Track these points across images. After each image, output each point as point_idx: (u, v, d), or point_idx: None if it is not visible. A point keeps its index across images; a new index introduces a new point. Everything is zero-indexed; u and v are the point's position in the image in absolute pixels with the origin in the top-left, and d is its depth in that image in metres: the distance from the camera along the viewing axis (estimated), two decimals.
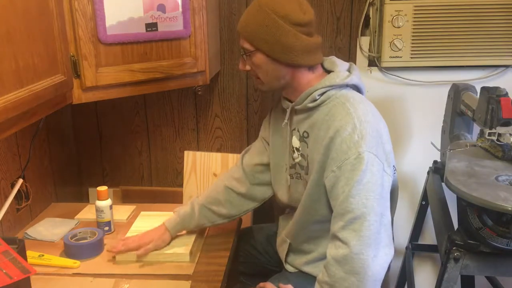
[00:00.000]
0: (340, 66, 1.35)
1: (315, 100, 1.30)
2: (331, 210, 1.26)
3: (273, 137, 1.49)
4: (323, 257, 1.33)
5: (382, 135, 1.26)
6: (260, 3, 1.29)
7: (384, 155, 1.24)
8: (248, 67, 1.35)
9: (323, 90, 1.30)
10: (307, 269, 1.44)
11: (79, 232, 1.52)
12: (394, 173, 1.35)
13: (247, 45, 1.31)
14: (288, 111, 1.37)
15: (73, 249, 1.47)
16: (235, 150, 2.11)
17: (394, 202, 1.38)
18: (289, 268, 1.49)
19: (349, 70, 1.36)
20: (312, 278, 1.40)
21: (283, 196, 1.48)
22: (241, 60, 1.36)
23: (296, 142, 1.38)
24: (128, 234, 1.55)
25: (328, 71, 1.36)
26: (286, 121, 1.38)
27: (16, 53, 1.11)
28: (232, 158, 2.02)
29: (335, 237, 1.22)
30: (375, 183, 1.20)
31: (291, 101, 1.37)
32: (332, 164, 1.23)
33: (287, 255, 1.49)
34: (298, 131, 1.37)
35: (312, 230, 1.39)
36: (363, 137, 1.20)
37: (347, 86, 1.32)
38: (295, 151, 1.39)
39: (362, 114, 1.24)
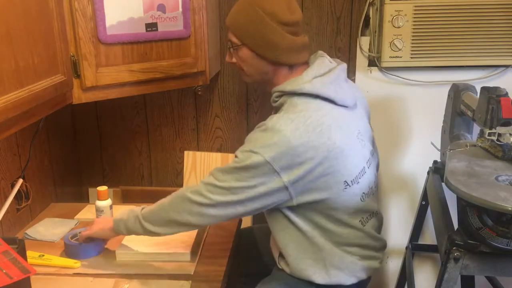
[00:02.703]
0: (310, 70, 1.34)
1: (275, 101, 1.36)
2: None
3: None
4: (301, 256, 1.37)
5: (295, 150, 1.23)
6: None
7: (287, 166, 1.24)
8: (234, 60, 1.40)
9: (279, 93, 1.35)
10: (289, 269, 1.43)
11: (79, 232, 1.52)
12: (345, 188, 1.32)
13: (234, 39, 1.36)
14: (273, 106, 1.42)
15: (73, 249, 1.47)
16: (235, 150, 2.08)
17: (349, 217, 1.37)
18: (282, 266, 1.48)
19: (317, 76, 1.33)
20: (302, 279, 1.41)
21: None
22: (228, 52, 1.42)
23: None
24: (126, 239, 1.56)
25: None
26: (273, 113, 1.42)
27: (16, 53, 1.11)
28: (232, 158, 2.02)
29: (197, 184, 1.32)
30: (253, 178, 1.26)
31: None
32: (241, 146, 1.33)
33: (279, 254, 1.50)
34: None
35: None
36: (264, 141, 1.25)
37: (301, 93, 1.31)
38: None
39: (282, 123, 1.25)
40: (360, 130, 1.40)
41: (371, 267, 1.44)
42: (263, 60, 1.35)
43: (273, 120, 1.27)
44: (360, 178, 1.36)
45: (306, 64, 1.39)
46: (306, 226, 1.36)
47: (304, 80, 1.32)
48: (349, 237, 1.38)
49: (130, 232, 1.40)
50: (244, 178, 1.26)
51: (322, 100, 1.31)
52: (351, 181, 1.33)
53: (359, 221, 1.39)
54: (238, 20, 1.34)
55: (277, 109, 1.37)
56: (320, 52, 1.43)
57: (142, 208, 1.41)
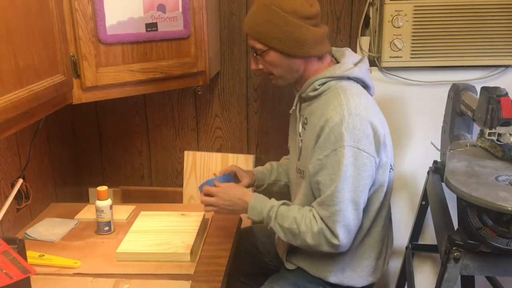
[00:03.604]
0: (347, 58, 1.38)
1: (316, 89, 1.34)
2: None
3: (290, 124, 1.56)
4: (320, 253, 1.37)
5: (376, 129, 1.28)
6: (265, 2, 1.31)
7: (374, 148, 1.28)
8: (261, 66, 1.38)
9: (324, 80, 1.34)
10: (305, 265, 1.44)
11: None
12: (390, 171, 1.38)
13: (259, 45, 1.34)
14: (296, 98, 1.42)
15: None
16: (235, 150, 2.11)
17: (386, 201, 1.42)
18: (289, 265, 1.49)
19: (356, 63, 1.38)
20: (310, 276, 1.41)
21: (291, 185, 1.53)
22: (252, 60, 1.39)
23: (300, 128, 1.42)
24: (128, 234, 1.56)
25: (338, 62, 1.39)
26: (293, 107, 1.43)
27: (16, 53, 1.11)
28: (232, 158, 2.02)
29: (323, 222, 1.29)
30: (357, 176, 1.25)
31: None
32: (319, 152, 1.28)
33: (287, 252, 1.49)
34: (302, 117, 1.42)
35: None
36: (349, 131, 1.24)
37: (348, 78, 1.34)
38: (299, 135, 1.42)
39: (354, 107, 1.27)
40: None
41: (381, 271, 1.46)
42: (293, 59, 1.34)
43: (342, 108, 1.26)
44: (393, 165, 1.42)
45: (329, 54, 1.42)
46: None
47: (350, 66, 1.35)
48: (375, 234, 1.41)
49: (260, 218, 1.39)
50: (353, 181, 1.26)
51: (361, 86, 1.37)
52: (392, 165, 1.40)
53: (387, 211, 1.43)
54: (259, 25, 1.32)
55: (310, 99, 1.37)
56: (334, 47, 1.46)
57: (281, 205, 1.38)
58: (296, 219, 1.32)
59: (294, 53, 1.32)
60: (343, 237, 1.29)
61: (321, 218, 1.29)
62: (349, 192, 1.26)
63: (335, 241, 1.28)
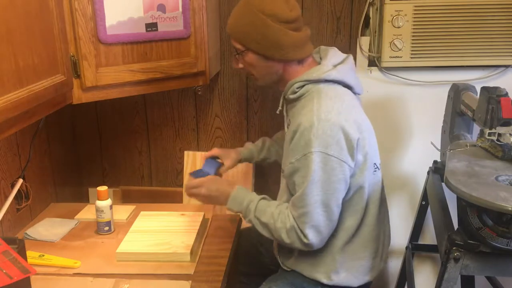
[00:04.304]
0: (329, 59, 1.39)
1: (295, 92, 1.37)
2: None
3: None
4: (310, 256, 1.40)
5: (348, 134, 1.28)
6: (248, 3, 1.34)
7: (346, 152, 1.28)
8: (241, 65, 1.42)
9: (302, 83, 1.36)
10: (299, 268, 1.44)
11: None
12: (375, 171, 1.39)
13: (238, 45, 1.38)
14: (281, 99, 1.44)
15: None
16: None
17: (375, 200, 1.42)
18: (284, 267, 1.49)
19: (336, 65, 1.38)
20: (307, 277, 1.41)
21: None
22: (234, 59, 1.43)
23: (286, 128, 1.46)
24: (128, 234, 1.56)
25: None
26: (279, 108, 1.46)
27: (16, 53, 1.11)
28: None
29: (295, 221, 1.32)
30: (327, 180, 1.27)
31: None
32: (291, 155, 1.31)
33: (278, 254, 1.50)
34: (287, 118, 1.45)
35: None
36: (318, 136, 1.26)
37: (326, 81, 1.34)
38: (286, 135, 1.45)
39: (324, 112, 1.28)
40: None
41: (377, 269, 1.47)
42: (270, 61, 1.36)
43: (312, 114, 1.28)
44: (380, 164, 1.43)
45: (311, 56, 1.42)
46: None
47: (329, 68, 1.36)
48: (365, 234, 1.42)
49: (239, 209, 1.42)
50: (322, 185, 1.28)
51: (343, 86, 1.37)
52: (379, 165, 1.41)
53: (378, 208, 1.43)
54: (240, 26, 1.35)
55: (292, 101, 1.39)
56: (322, 46, 1.47)
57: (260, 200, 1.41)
58: (273, 214, 1.36)
59: (271, 56, 1.35)
60: (313, 237, 1.32)
61: (293, 217, 1.33)
62: (318, 195, 1.28)
63: (305, 240, 1.32)
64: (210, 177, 1.52)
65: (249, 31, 1.33)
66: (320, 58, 1.43)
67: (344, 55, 1.44)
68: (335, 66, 1.37)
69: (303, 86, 1.36)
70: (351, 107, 1.34)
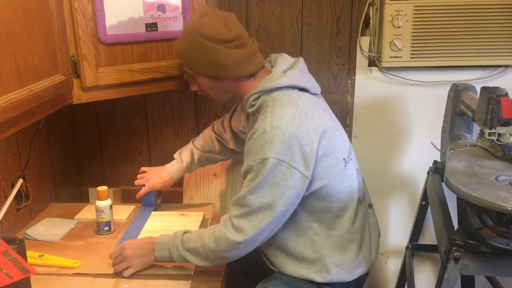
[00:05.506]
0: (278, 66, 1.40)
1: (252, 105, 1.38)
2: None
3: None
4: (294, 256, 1.41)
5: (300, 139, 1.27)
6: (188, 28, 1.38)
7: (300, 157, 1.28)
8: (196, 88, 1.46)
9: (256, 95, 1.37)
10: (291, 272, 1.44)
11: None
12: (345, 165, 1.40)
13: (188, 70, 1.43)
14: (242, 115, 1.48)
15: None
16: None
17: (354, 192, 1.42)
18: (276, 269, 1.50)
19: (285, 70, 1.39)
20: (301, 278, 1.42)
21: None
22: (189, 82, 1.47)
23: None
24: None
25: None
26: (242, 123, 1.49)
27: (16, 53, 1.11)
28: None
29: (230, 220, 1.32)
30: (275, 184, 1.27)
31: None
32: (246, 159, 1.32)
33: (269, 261, 1.51)
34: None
35: None
36: (270, 143, 1.26)
37: (278, 88, 1.35)
38: None
39: (277, 119, 1.28)
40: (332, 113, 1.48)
41: (368, 260, 1.47)
42: (221, 80, 1.39)
43: (266, 121, 1.29)
44: (351, 155, 1.45)
45: (264, 67, 1.43)
46: (306, 219, 1.39)
47: (278, 75, 1.37)
48: (345, 228, 1.41)
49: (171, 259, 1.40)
50: (270, 188, 1.28)
51: (298, 90, 1.37)
52: (348, 158, 1.41)
53: (357, 201, 1.43)
54: (184, 51, 1.39)
55: (253, 114, 1.40)
56: (273, 54, 1.49)
57: (184, 233, 1.41)
58: (199, 234, 1.36)
59: (220, 76, 1.37)
60: (250, 233, 1.29)
61: (230, 217, 1.32)
62: (264, 198, 1.28)
63: (238, 238, 1.29)
64: (127, 240, 1.48)
65: (193, 55, 1.37)
66: (272, 67, 1.44)
67: (294, 59, 1.45)
68: (284, 72, 1.38)
69: (258, 97, 1.37)
70: (307, 109, 1.32)
